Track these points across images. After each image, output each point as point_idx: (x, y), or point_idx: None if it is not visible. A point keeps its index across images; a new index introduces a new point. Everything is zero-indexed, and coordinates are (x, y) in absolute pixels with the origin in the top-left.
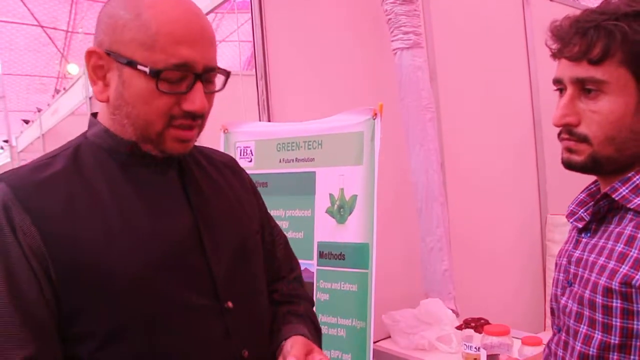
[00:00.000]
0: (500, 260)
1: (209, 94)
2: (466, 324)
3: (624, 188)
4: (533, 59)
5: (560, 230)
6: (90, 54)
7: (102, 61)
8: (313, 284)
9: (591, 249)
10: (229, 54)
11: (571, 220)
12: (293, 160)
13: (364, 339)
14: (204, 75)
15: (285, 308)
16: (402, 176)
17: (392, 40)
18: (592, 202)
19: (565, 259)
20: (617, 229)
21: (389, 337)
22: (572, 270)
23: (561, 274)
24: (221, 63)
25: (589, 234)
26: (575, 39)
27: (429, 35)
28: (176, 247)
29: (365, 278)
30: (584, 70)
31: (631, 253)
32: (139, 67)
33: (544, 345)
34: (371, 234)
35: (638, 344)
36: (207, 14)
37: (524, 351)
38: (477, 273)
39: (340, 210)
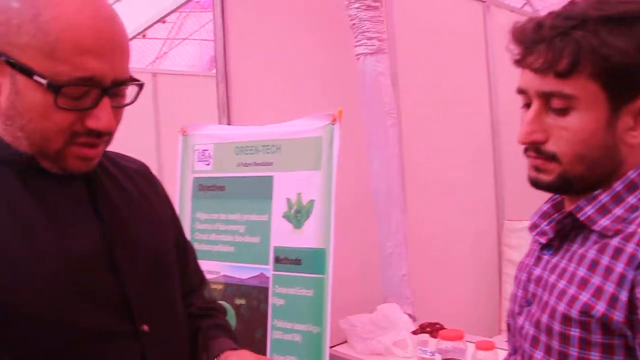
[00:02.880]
0: (457, 265)
1: (117, 109)
2: (422, 329)
3: (589, 207)
4: (493, 67)
5: (517, 236)
6: None
7: None
8: (268, 289)
9: (552, 268)
10: (193, 52)
11: (534, 234)
12: (251, 164)
13: (320, 344)
14: (112, 89)
15: (206, 322)
16: (361, 182)
17: (356, 46)
18: (556, 215)
19: (525, 275)
20: (581, 251)
21: (346, 342)
22: (531, 289)
23: (520, 290)
24: (185, 62)
25: (551, 252)
26: (541, 48)
27: (391, 41)
28: (85, 267)
29: (322, 283)
30: (551, 84)
31: (592, 280)
32: (36, 77)
33: (497, 349)
34: (328, 239)
35: None
36: (172, 12)
37: (478, 355)
38: (435, 278)
39: (297, 215)
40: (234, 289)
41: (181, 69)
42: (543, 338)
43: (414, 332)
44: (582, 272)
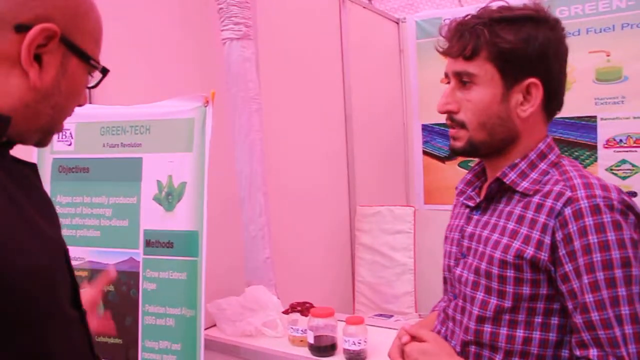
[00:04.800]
0: (315, 249)
1: None
2: (292, 309)
3: (512, 173)
4: (347, 58)
5: (368, 220)
6: (44, 30)
7: (49, 42)
8: (139, 273)
9: (483, 225)
10: None
11: (462, 199)
12: (118, 145)
13: (194, 328)
14: None
15: None
16: (227, 165)
17: (222, 30)
18: (479, 183)
19: (457, 234)
20: (507, 209)
21: (214, 325)
22: (465, 244)
23: (454, 247)
24: None
25: (479, 212)
26: (455, 39)
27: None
28: (64, 254)
29: (195, 266)
30: (461, 65)
31: (522, 230)
32: (92, 62)
33: (365, 324)
34: (201, 222)
35: (525, 305)
36: None
37: (349, 330)
38: (294, 260)
39: (169, 197)
40: (100, 274)
41: None
42: (483, 281)
43: (285, 312)
44: (511, 225)
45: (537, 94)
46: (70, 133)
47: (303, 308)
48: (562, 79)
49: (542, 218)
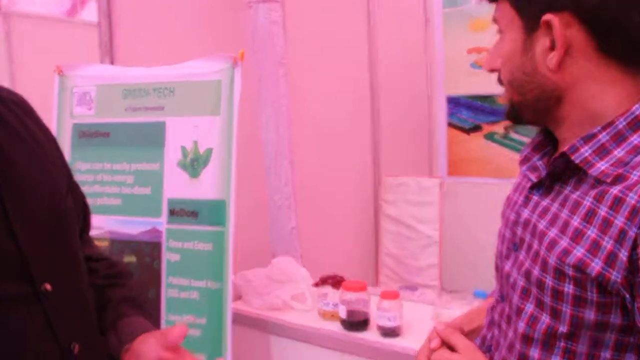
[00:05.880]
0: (340, 219)
1: None
2: (322, 281)
3: (586, 148)
4: (373, 25)
5: (394, 191)
6: None
7: None
8: (161, 244)
9: (542, 212)
10: None
11: (524, 169)
12: (141, 108)
13: (220, 300)
14: None
15: (116, 293)
16: (252, 132)
17: None
18: (550, 148)
19: (513, 214)
20: (574, 196)
21: (240, 298)
22: (519, 232)
23: (507, 231)
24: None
25: (540, 191)
26: None
27: None
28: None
29: (222, 236)
30: (494, 11)
31: (588, 232)
32: None
33: (401, 299)
34: (228, 190)
35: (588, 334)
36: None
37: (384, 305)
38: (319, 231)
39: (194, 163)
40: (121, 245)
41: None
42: (534, 291)
43: (315, 285)
44: (576, 221)
45: (563, 34)
46: (91, 96)
47: (334, 281)
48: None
49: (619, 220)
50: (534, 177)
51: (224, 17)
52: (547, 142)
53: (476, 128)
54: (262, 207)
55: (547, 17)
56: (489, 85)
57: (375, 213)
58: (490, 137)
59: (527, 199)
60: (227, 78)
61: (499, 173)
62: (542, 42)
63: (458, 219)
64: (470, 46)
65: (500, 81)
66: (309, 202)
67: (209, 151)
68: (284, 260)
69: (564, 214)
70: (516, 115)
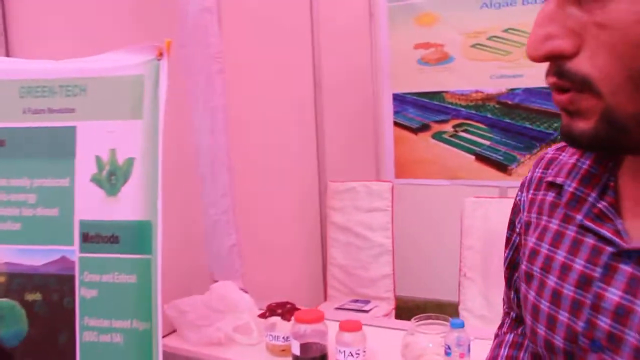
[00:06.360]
0: (283, 230)
1: None
2: (270, 311)
3: None
4: (317, 20)
5: (341, 197)
6: None
7: None
8: (73, 277)
9: None
10: None
11: (580, 218)
12: (44, 110)
13: (149, 344)
14: None
15: None
16: (182, 137)
17: None
18: (608, 178)
19: (572, 288)
20: None
21: (174, 331)
22: (602, 324)
23: (563, 312)
24: None
25: (632, 259)
26: None
27: None
28: None
29: (148, 266)
30: None
31: None
32: None
33: (363, 330)
34: (154, 209)
35: None
36: None
37: (344, 339)
38: (261, 246)
39: (112, 178)
40: (23, 280)
41: None
42: None
43: (262, 315)
44: None
45: None
46: None
47: (284, 310)
48: None
49: None
50: (608, 232)
51: (147, 1)
52: (602, 170)
53: (424, 127)
54: (196, 223)
55: None
56: (437, 82)
57: (321, 222)
58: (438, 136)
59: (610, 269)
60: (151, 73)
61: (448, 174)
62: None
63: (407, 224)
64: (417, 41)
65: (571, 78)
66: (249, 215)
67: (130, 162)
68: (225, 285)
69: None
70: (617, 140)
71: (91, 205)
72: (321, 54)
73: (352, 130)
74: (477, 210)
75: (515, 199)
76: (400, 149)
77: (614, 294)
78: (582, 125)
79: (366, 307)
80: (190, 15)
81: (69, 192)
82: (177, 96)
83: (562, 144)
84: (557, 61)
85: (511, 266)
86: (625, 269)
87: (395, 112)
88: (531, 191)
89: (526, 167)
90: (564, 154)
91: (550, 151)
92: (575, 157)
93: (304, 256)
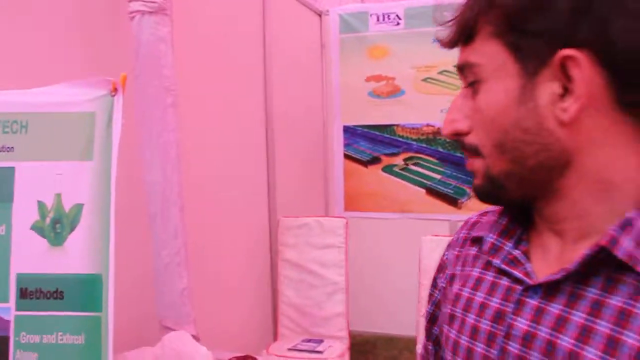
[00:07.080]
0: (233, 269)
1: None
2: None
3: (627, 239)
4: (269, 50)
5: (294, 234)
6: None
7: None
8: (8, 339)
9: (555, 323)
10: None
11: (497, 262)
12: None
13: None
14: None
15: None
16: (131, 173)
17: (130, 1)
18: (521, 232)
19: (488, 322)
20: (614, 302)
21: None
22: (512, 349)
23: (479, 344)
24: None
25: (538, 294)
26: (454, 20)
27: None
28: None
29: (97, 325)
30: (461, 56)
31: (625, 338)
32: None
33: None
34: (105, 261)
35: None
36: None
37: None
38: (211, 288)
39: (56, 226)
40: None
41: None
42: None
43: None
44: (631, 338)
45: (585, 75)
46: None
47: None
48: None
49: None
50: (519, 274)
51: (100, 30)
52: (516, 226)
53: (375, 160)
54: (146, 267)
55: (567, 52)
56: (388, 114)
57: (271, 258)
58: (389, 169)
59: (521, 304)
60: (104, 110)
61: (398, 207)
62: (549, 88)
63: (356, 257)
64: (369, 74)
65: (467, 148)
66: (200, 255)
67: (79, 208)
68: (178, 336)
69: (603, 327)
70: (497, 192)
71: (31, 256)
72: (273, 87)
73: (303, 163)
74: (434, 251)
75: (442, 258)
76: (350, 182)
77: (522, 323)
78: (476, 182)
79: (319, 348)
80: (143, 44)
81: (4, 242)
82: (128, 128)
83: (484, 209)
84: (459, 137)
85: (431, 320)
86: (532, 302)
87: (346, 145)
88: (457, 249)
89: (476, 201)
90: (485, 217)
91: (474, 216)
92: (495, 217)
93: (254, 295)
